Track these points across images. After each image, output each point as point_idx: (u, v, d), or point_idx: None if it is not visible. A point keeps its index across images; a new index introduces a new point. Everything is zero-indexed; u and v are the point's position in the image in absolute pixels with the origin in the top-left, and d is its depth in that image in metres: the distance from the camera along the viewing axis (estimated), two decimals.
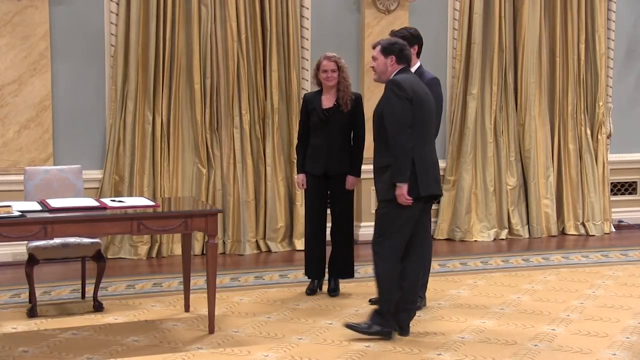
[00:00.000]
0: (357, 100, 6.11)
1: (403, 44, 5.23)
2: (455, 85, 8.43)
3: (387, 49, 5.18)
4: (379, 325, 5.13)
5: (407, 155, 4.99)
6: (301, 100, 6.69)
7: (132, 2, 7.41)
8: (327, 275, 6.30)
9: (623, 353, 4.91)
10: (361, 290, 6.30)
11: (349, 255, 6.22)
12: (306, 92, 7.31)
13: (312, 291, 6.22)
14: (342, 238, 6.18)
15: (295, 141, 6.43)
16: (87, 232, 5.22)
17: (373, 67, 5.25)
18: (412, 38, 5.85)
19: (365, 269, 6.99)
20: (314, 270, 6.24)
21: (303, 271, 6.39)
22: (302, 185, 6.17)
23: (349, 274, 6.27)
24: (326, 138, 6.04)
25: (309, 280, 6.30)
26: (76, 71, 7.51)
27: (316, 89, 6.25)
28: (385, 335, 5.13)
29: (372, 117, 5.24)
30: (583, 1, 8.70)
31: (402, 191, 4.99)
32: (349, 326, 5.18)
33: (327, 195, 6.24)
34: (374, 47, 5.28)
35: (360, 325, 5.17)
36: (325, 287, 6.27)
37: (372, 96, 7.66)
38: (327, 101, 6.06)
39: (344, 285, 6.43)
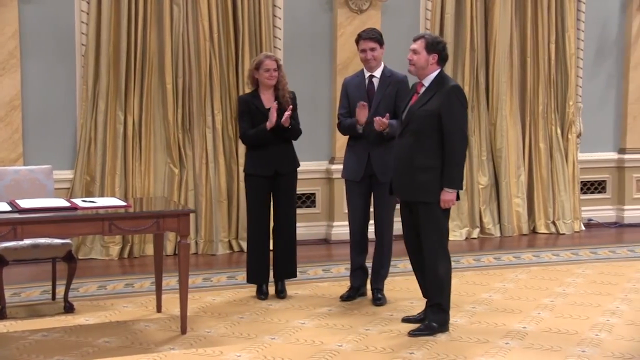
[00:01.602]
0: (294, 98, 6.10)
1: (445, 44, 5.28)
2: None
3: (432, 46, 5.16)
4: (438, 322, 5.25)
5: (464, 163, 5.22)
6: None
7: (103, 1, 7.36)
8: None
9: (592, 350, 4.96)
10: (333, 290, 6.31)
11: (294, 255, 6.16)
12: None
13: (266, 295, 6.09)
14: (288, 238, 6.10)
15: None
16: (57, 233, 5.17)
17: (410, 60, 5.20)
18: (382, 39, 5.94)
19: (337, 269, 7.01)
20: (262, 274, 6.12)
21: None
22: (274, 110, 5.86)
23: (294, 274, 6.22)
24: (274, 137, 5.97)
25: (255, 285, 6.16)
26: (46, 70, 7.45)
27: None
28: (445, 329, 5.27)
29: (411, 114, 5.17)
30: (553, 2, 8.78)
31: (453, 196, 5.13)
32: (413, 334, 5.21)
33: (270, 196, 6.13)
34: (415, 40, 5.22)
35: (424, 331, 5.23)
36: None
37: None
38: (268, 101, 6.01)
39: (317, 285, 6.44)
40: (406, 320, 5.47)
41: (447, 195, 5.10)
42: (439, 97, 5.10)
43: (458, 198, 5.23)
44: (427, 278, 5.27)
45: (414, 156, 5.13)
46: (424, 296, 5.42)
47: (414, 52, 5.19)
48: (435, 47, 5.16)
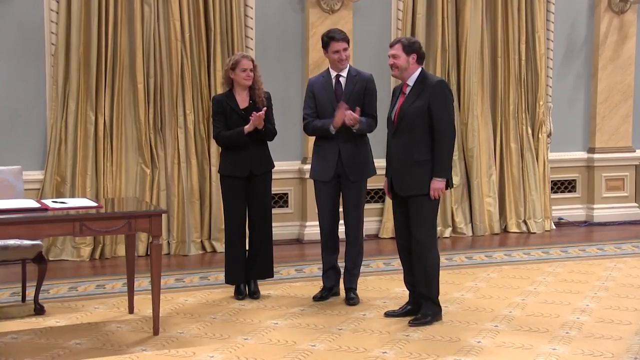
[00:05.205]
0: (269, 99, 6.10)
1: (420, 43, 5.52)
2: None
3: (409, 47, 5.40)
4: (433, 312, 5.48)
5: (452, 153, 5.50)
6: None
7: (72, 1, 7.30)
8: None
9: (563, 348, 5.01)
10: (306, 290, 6.31)
11: (270, 255, 6.16)
12: None
13: (243, 295, 6.09)
14: (264, 237, 6.10)
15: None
16: (27, 234, 5.12)
17: (393, 65, 5.39)
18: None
19: (310, 269, 7.01)
20: (240, 274, 6.10)
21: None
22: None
23: (270, 274, 6.22)
24: (249, 137, 5.96)
25: (234, 286, 6.15)
26: (15, 70, 7.37)
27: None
28: (439, 318, 5.51)
29: (403, 113, 5.35)
30: (523, 2, 8.85)
31: (443, 185, 5.36)
32: (412, 324, 5.42)
33: (245, 196, 6.11)
34: (392, 45, 5.45)
35: (421, 320, 5.43)
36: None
37: None
38: (243, 101, 6.01)
39: (290, 285, 6.44)
40: (390, 314, 5.62)
41: (437, 183, 5.32)
42: (427, 93, 5.34)
43: (447, 187, 5.43)
44: (416, 271, 5.43)
45: (413, 152, 5.34)
46: (414, 291, 5.58)
47: (394, 57, 5.41)
48: (412, 47, 5.42)
